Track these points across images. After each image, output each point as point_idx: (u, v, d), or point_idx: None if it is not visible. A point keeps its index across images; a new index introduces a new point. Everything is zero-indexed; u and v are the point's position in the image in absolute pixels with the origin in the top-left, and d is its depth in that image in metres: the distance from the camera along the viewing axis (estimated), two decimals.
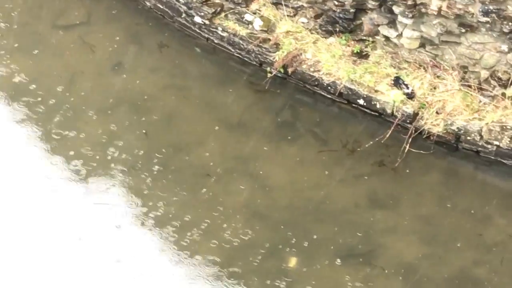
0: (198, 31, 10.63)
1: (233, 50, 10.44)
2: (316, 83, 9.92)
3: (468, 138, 9.26)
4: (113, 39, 10.59)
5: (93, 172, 9.09)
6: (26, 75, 10.10)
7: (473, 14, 8.94)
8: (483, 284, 8.16)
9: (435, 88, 9.54)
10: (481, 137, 9.21)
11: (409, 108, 9.45)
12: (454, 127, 9.29)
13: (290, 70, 9.99)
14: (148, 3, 10.96)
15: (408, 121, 9.44)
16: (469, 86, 9.40)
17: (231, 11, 10.46)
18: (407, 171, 9.17)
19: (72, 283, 8.14)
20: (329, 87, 9.85)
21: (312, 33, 10.15)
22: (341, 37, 10.01)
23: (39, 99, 9.81)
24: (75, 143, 9.37)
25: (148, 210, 8.74)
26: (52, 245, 8.42)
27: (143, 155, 9.26)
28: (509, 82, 9.20)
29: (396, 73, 9.69)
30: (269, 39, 10.22)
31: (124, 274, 8.22)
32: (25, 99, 9.81)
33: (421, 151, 9.26)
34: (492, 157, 9.24)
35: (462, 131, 9.27)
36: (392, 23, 9.60)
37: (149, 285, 8.15)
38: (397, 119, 9.45)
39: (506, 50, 9.08)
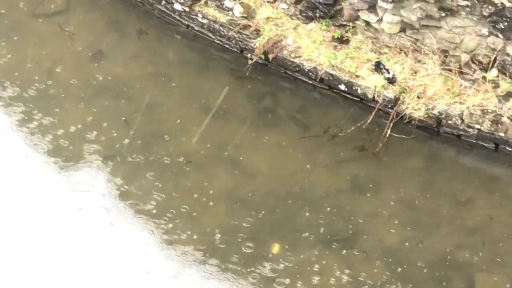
0: (178, 18, 10.59)
1: (213, 37, 10.40)
2: (297, 69, 9.90)
3: (450, 122, 9.27)
4: (92, 27, 10.54)
5: (73, 159, 9.05)
6: (5, 63, 10.04)
7: None
8: (465, 267, 8.19)
9: (416, 72, 9.54)
10: (462, 121, 9.23)
11: (390, 93, 9.45)
12: (435, 111, 9.30)
13: (271, 56, 9.96)
14: None
15: (389, 106, 9.44)
16: (450, 70, 9.41)
17: None
18: (389, 155, 9.18)
19: (47, 267, 8.13)
20: (310, 73, 9.83)
21: (292, 19, 10.13)
22: (322, 23, 9.99)
23: (18, 88, 9.76)
24: (55, 131, 9.33)
25: (128, 197, 8.72)
26: (29, 231, 8.40)
27: (124, 142, 9.23)
28: (490, 66, 9.21)
29: (377, 58, 9.69)
30: (250, 26, 10.19)
31: (101, 261, 8.19)
32: (4, 87, 9.76)
33: (403, 136, 9.27)
34: (474, 141, 9.26)
35: (443, 115, 9.28)
36: (372, 8, 9.58)
37: (127, 272, 8.12)
38: (378, 104, 9.45)
39: (486, 33, 9.09)
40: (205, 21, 10.39)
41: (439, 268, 8.21)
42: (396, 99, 9.42)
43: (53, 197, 8.73)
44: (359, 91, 9.62)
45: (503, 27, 8.96)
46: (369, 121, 9.34)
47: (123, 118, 9.46)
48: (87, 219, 8.53)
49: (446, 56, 9.46)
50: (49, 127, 9.37)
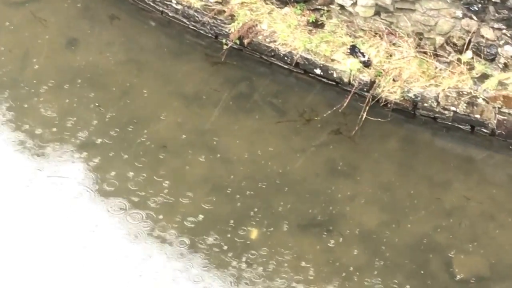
0: (152, 4, 10.53)
1: (188, 23, 10.36)
2: (273, 53, 9.87)
3: (425, 104, 9.29)
4: (65, 14, 10.46)
5: (47, 146, 8.98)
6: None
7: None
8: (443, 249, 8.22)
9: (391, 55, 9.55)
10: (438, 103, 9.25)
11: (366, 76, 9.45)
12: (411, 94, 9.31)
13: (246, 41, 9.93)
14: None
15: (365, 90, 9.45)
16: (425, 53, 9.42)
17: None
18: (365, 139, 9.19)
19: (20, 254, 8.08)
20: (285, 58, 9.81)
21: (267, 3, 10.10)
22: (296, 7, 9.97)
23: None
24: (29, 118, 9.25)
25: (103, 184, 8.67)
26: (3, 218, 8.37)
27: (99, 129, 9.17)
28: (464, 48, 9.24)
29: (352, 42, 9.68)
30: (224, 11, 10.15)
31: (75, 248, 8.15)
32: None
33: (379, 119, 9.28)
34: (449, 123, 9.29)
35: (419, 98, 9.30)
36: None
37: (103, 262, 8.09)
38: (354, 88, 9.45)
39: (461, 15, 9.11)
40: (179, 6, 10.34)
41: (417, 250, 8.23)
42: (372, 83, 9.43)
43: (27, 184, 8.66)
44: (334, 75, 9.61)
45: (477, 9, 8.98)
46: (345, 104, 9.34)
47: (96, 104, 9.41)
48: (60, 206, 8.48)
49: (421, 39, 9.47)
50: (22, 114, 9.30)
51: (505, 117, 9.03)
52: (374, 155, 9.03)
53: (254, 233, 8.37)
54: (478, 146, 9.17)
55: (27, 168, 8.80)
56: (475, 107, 9.10)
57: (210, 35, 10.24)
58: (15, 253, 8.08)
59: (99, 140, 9.08)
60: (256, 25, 9.96)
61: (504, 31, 8.99)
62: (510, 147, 9.11)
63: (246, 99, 9.61)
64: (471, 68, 9.24)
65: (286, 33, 9.86)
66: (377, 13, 9.56)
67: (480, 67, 9.21)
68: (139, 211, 8.45)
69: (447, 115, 9.25)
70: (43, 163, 8.84)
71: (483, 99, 9.06)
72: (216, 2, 10.21)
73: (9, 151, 8.96)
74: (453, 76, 9.25)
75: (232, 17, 10.08)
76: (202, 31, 10.28)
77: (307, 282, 7.94)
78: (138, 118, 9.32)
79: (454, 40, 9.27)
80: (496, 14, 8.93)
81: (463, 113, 9.17)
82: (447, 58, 9.35)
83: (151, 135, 9.15)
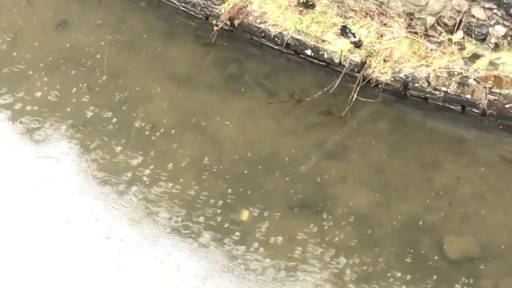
0: None
1: (178, 4, 10.31)
2: (263, 34, 9.84)
3: (416, 85, 9.27)
4: None
5: (38, 128, 8.96)
6: None
7: None
8: (434, 229, 8.22)
9: (382, 36, 9.52)
10: (429, 83, 9.23)
11: (357, 57, 9.42)
12: (401, 75, 9.29)
13: (236, 22, 9.89)
14: None
15: (356, 70, 9.42)
16: (416, 33, 9.39)
17: None
18: (356, 120, 9.17)
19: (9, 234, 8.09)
20: (276, 38, 9.77)
21: None
22: None
23: None
24: (19, 101, 9.22)
25: (93, 165, 8.65)
26: None
27: (89, 111, 9.15)
28: (455, 28, 9.21)
29: (343, 22, 9.65)
30: None
31: (68, 228, 8.15)
32: None
33: (370, 100, 9.26)
34: (440, 103, 9.27)
35: (409, 79, 9.27)
36: None
37: (96, 243, 8.09)
38: (345, 69, 9.42)
39: None
40: None
41: (408, 231, 8.24)
42: (363, 63, 9.40)
43: (17, 164, 8.65)
44: (325, 56, 9.58)
45: None
46: (335, 85, 9.31)
47: (85, 85, 9.38)
48: (50, 187, 8.46)
49: (411, 19, 9.44)
50: (12, 96, 9.26)
51: (496, 97, 9.01)
52: (365, 136, 9.02)
53: (245, 214, 8.36)
54: (469, 126, 9.16)
55: (15, 148, 8.80)
56: (466, 87, 9.08)
57: (200, 16, 10.19)
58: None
59: (88, 121, 9.06)
60: (247, 6, 9.92)
61: (495, 10, 8.96)
62: (501, 127, 9.10)
63: (237, 80, 9.58)
64: (462, 48, 9.22)
65: (277, 14, 9.82)
66: None
67: (471, 47, 9.19)
68: (131, 190, 8.44)
69: (438, 96, 9.24)
70: (31, 143, 8.83)
71: (474, 79, 9.04)
72: None
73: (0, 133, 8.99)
74: (444, 57, 9.22)
75: None
76: (192, 12, 10.23)
77: (299, 261, 7.95)
78: (128, 99, 9.29)
79: (445, 20, 9.24)
80: None
81: (454, 93, 9.15)
82: (438, 38, 9.32)
83: (141, 116, 9.12)
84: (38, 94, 9.30)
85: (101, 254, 7.98)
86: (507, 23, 8.93)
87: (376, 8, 9.53)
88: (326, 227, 8.25)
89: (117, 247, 8.02)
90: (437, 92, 9.22)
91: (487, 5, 8.97)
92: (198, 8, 10.15)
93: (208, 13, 10.11)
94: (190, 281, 7.81)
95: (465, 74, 9.08)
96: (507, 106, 9.01)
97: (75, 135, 8.93)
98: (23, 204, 8.33)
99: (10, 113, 9.12)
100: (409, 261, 8.00)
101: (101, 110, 9.15)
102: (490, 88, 9.00)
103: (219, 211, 8.33)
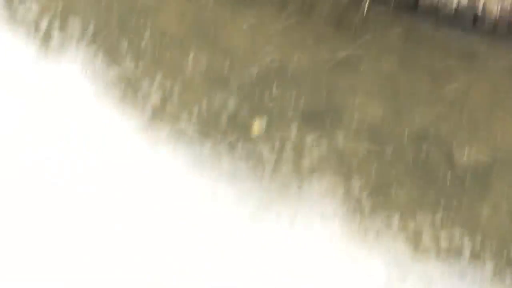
0: None
1: None
2: None
3: None
4: None
5: (49, 42, 8.95)
6: None
7: None
8: (444, 139, 8.24)
9: None
10: None
11: None
12: None
13: None
14: None
15: None
16: None
17: None
18: (367, 31, 9.13)
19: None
20: None
21: None
22: None
23: None
24: (34, 16, 9.20)
25: (103, 75, 8.66)
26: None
27: (99, 21, 9.11)
28: None
29: None
30: None
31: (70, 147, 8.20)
32: None
33: (381, 12, 9.20)
34: (452, 14, 9.21)
35: None
36: None
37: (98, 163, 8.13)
38: None
39: None
40: None
41: (419, 141, 8.25)
42: None
43: (30, 72, 8.68)
44: None
45: None
46: None
47: None
48: (68, 102, 8.49)
49: None
50: (26, 10, 9.24)
51: (508, 8, 8.95)
52: (376, 46, 8.99)
53: (256, 125, 8.37)
54: (480, 37, 9.12)
55: (27, 58, 8.80)
56: None
57: None
58: None
59: (100, 30, 9.03)
60: None
61: None
62: None
63: None
64: None
65: None
66: None
67: None
68: (141, 102, 8.45)
69: (449, 7, 9.17)
70: (43, 56, 8.82)
71: None
72: None
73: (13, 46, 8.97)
74: None
75: None
76: None
77: (310, 171, 7.99)
78: (137, 9, 9.24)
79: None
80: None
81: (466, 4, 9.08)
82: None
83: (151, 27, 9.08)
84: (49, 11, 9.27)
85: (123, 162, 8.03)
86: None
87: None
88: (338, 137, 8.27)
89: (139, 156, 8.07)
90: (449, 3, 9.15)
91: None
92: None
93: None
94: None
95: None
96: None
97: (85, 45, 8.91)
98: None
99: (25, 29, 9.09)
100: (419, 170, 8.03)
101: (109, 19, 9.12)
102: None
103: (230, 122, 8.34)
